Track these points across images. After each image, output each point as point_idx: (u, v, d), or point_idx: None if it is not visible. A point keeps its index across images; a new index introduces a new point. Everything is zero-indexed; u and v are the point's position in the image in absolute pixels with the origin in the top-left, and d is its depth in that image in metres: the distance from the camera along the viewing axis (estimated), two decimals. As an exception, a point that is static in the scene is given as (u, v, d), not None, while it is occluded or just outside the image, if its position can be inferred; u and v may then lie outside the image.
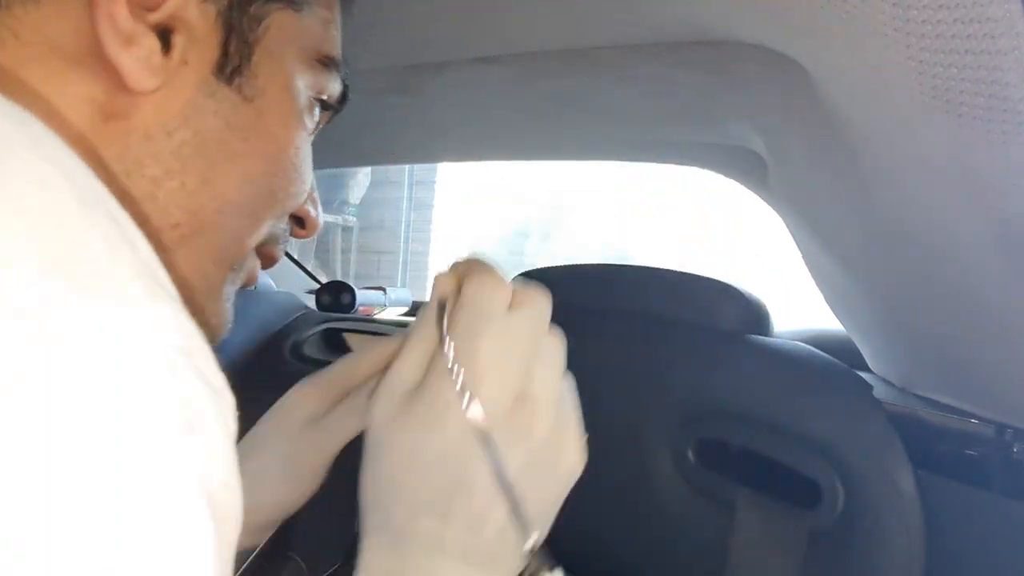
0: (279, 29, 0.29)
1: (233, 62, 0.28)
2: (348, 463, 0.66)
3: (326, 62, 0.32)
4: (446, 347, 0.28)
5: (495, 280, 0.30)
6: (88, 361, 0.17)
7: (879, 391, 0.50)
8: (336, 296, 1.00)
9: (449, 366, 0.27)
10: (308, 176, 0.34)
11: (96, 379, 0.17)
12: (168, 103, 0.27)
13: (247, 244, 0.32)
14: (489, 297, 0.29)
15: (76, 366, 0.17)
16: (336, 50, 0.33)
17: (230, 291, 0.33)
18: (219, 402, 0.20)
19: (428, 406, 0.28)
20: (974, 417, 0.49)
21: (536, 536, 0.29)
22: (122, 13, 0.24)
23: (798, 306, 0.88)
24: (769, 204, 0.67)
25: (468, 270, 0.30)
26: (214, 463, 0.19)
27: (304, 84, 0.32)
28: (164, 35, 0.26)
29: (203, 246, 0.29)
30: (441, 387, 0.28)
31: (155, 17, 0.25)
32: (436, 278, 0.31)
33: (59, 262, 0.18)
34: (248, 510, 0.20)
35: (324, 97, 0.33)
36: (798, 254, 0.64)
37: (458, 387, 0.27)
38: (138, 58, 0.25)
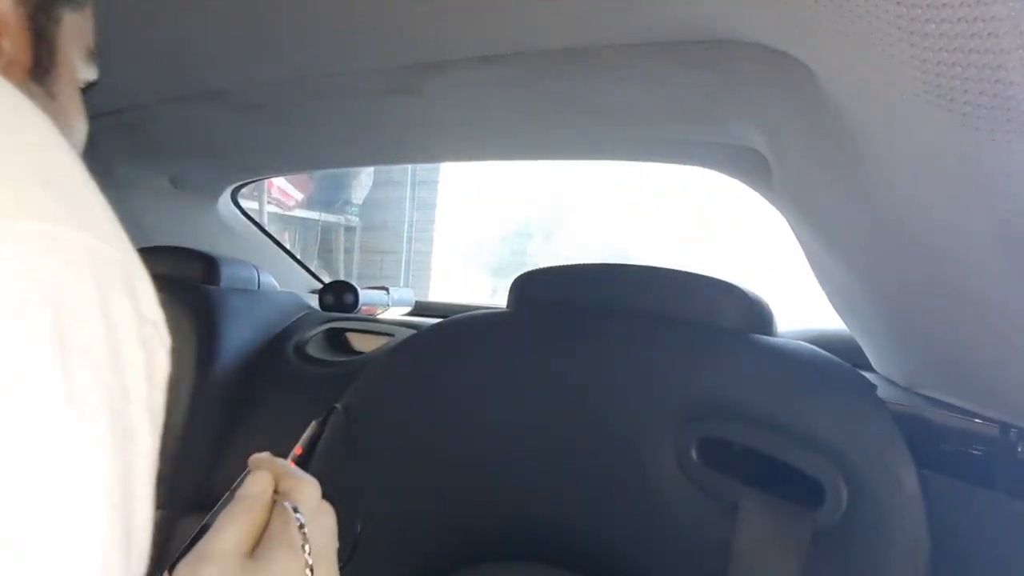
0: (68, 29, 0.32)
1: (44, 63, 0.31)
2: (348, 469, 0.66)
3: (91, 54, 0.35)
4: (303, 538, 0.34)
5: (315, 486, 0.37)
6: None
7: (883, 390, 0.50)
8: (339, 296, 1.01)
9: (302, 545, 0.34)
10: None
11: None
12: None
13: None
14: (313, 498, 0.36)
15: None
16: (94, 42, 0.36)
17: None
18: (155, 336, 0.22)
19: (270, 573, 0.32)
20: (978, 416, 0.49)
21: None
22: None
23: (798, 306, 0.88)
24: (772, 203, 0.67)
25: (283, 472, 0.37)
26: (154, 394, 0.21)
27: (80, 76, 0.35)
28: None
29: None
30: (280, 558, 0.33)
31: None
32: (252, 477, 0.36)
33: (54, 189, 0.19)
34: None
35: (83, 85, 0.36)
36: (798, 254, 0.64)
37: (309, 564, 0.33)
38: None
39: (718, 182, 0.74)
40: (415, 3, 0.44)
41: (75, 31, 0.33)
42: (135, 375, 0.19)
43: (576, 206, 3.71)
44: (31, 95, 0.30)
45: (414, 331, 0.79)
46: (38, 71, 0.30)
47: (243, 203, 1.25)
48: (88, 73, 0.36)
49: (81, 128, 0.35)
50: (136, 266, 0.21)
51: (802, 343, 0.53)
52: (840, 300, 0.61)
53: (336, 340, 1.00)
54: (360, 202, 3.69)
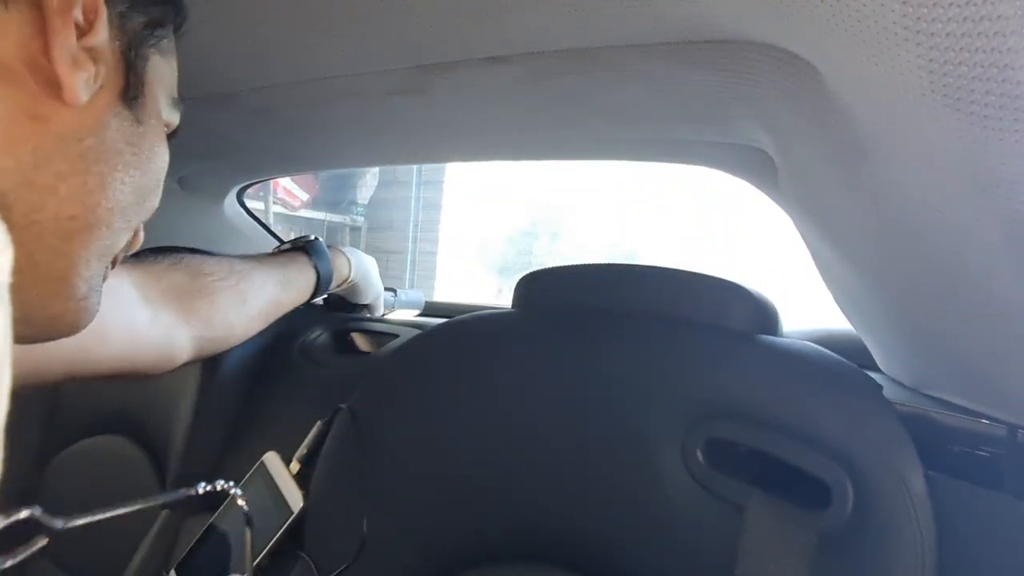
0: (154, 69, 0.37)
1: (133, 90, 0.35)
2: (354, 469, 0.66)
3: (175, 102, 0.41)
4: None
5: None
6: None
7: (889, 391, 0.50)
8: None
9: None
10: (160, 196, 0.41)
11: None
12: (85, 115, 0.32)
13: (122, 246, 0.38)
14: None
15: None
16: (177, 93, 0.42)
17: (101, 285, 0.39)
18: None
19: None
20: (985, 417, 0.48)
21: None
22: (72, 40, 0.30)
23: (798, 306, 0.88)
24: (778, 204, 0.66)
25: None
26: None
27: (165, 117, 0.40)
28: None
29: (92, 241, 0.35)
30: None
31: (83, 43, 0.31)
32: None
33: None
34: None
35: (169, 130, 0.41)
36: (800, 254, 0.64)
37: None
38: (81, 78, 0.31)
39: (719, 182, 0.74)
40: (420, 5, 0.44)
41: (159, 72, 0.38)
42: None
43: (581, 206, 3.71)
44: (119, 116, 0.35)
45: (419, 331, 0.79)
46: (127, 96, 0.35)
47: (249, 203, 1.25)
48: (173, 117, 0.41)
49: (163, 156, 0.39)
50: None
51: (808, 343, 0.53)
52: (846, 300, 0.60)
53: (341, 341, 1.00)
54: (365, 202, 3.69)
